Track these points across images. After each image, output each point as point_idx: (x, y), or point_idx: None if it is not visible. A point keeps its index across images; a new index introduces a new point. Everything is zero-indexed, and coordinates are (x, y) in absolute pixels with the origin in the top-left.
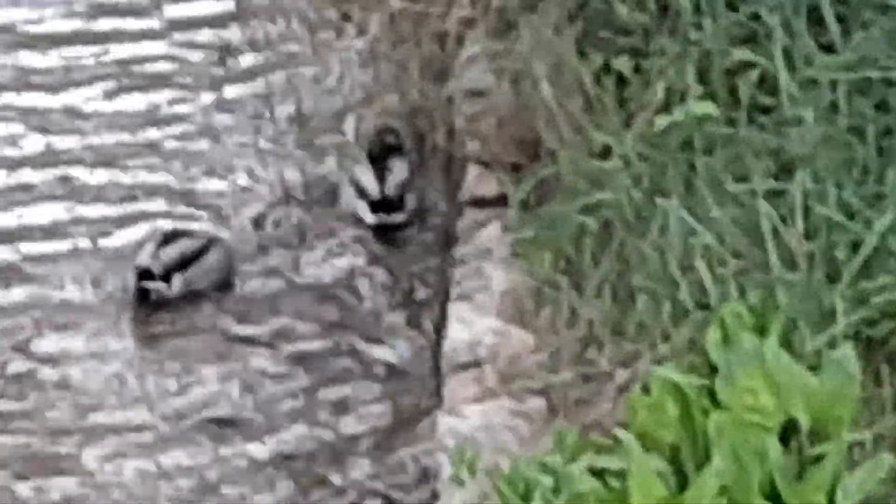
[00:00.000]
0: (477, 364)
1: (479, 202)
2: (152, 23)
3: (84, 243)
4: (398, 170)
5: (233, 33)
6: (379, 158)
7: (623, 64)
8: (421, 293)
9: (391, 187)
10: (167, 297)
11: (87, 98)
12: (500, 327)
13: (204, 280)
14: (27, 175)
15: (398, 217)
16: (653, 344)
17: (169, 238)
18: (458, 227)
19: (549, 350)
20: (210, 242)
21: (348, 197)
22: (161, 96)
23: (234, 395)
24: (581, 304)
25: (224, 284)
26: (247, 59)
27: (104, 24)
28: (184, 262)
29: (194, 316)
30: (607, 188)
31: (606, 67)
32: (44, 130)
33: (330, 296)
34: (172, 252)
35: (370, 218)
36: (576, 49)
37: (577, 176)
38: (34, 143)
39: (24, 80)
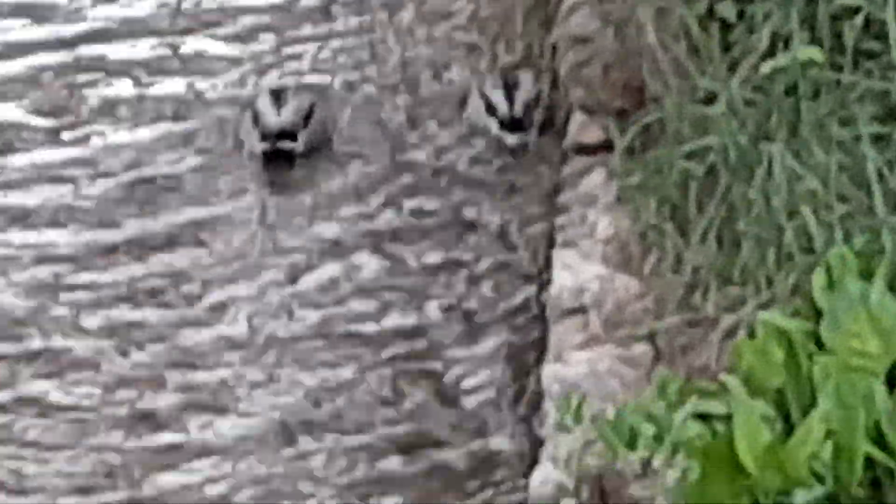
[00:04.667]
0: (582, 311)
1: (584, 149)
2: None
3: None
4: (525, 86)
5: None
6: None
7: (727, 9)
8: (525, 239)
9: (519, 106)
10: (294, 154)
11: None
12: (606, 274)
13: (318, 137)
14: None
15: (526, 137)
16: (758, 289)
17: (279, 95)
18: (562, 174)
19: (654, 296)
20: (314, 100)
21: (476, 110)
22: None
23: None
24: (686, 249)
25: (327, 141)
26: (353, 10)
27: None
28: (305, 120)
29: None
30: (712, 133)
31: (711, 13)
32: None
33: None
34: (292, 110)
35: (509, 139)
36: None
37: (682, 121)
38: None
39: None
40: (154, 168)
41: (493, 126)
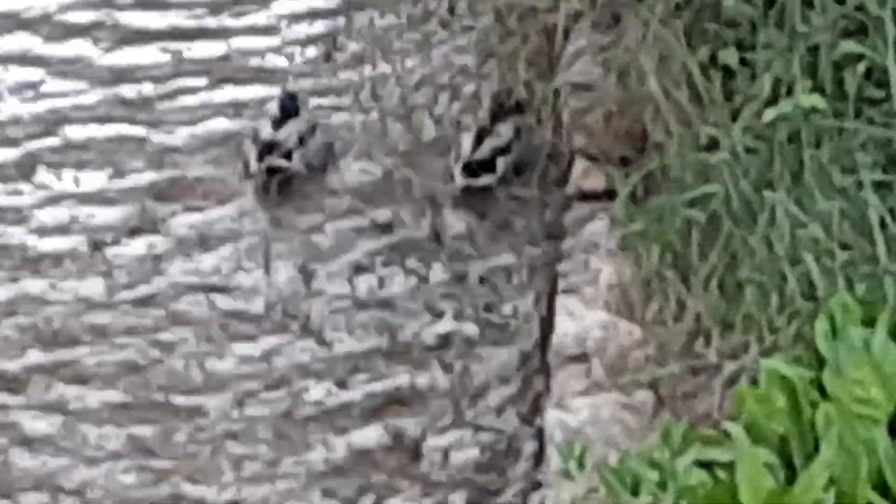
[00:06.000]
0: (585, 357)
1: (587, 196)
2: (261, 17)
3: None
4: (502, 133)
5: (339, 25)
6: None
7: (730, 56)
8: (530, 285)
9: (485, 150)
10: (289, 172)
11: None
12: (608, 320)
13: (314, 159)
14: None
15: (485, 179)
16: (760, 336)
17: (280, 119)
18: (565, 221)
19: (656, 343)
20: (314, 125)
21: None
22: (269, 90)
23: None
24: (689, 296)
25: (324, 167)
26: (352, 51)
27: (213, 21)
28: (300, 141)
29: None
30: (715, 181)
31: (713, 60)
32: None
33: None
34: (290, 131)
35: (459, 180)
36: (683, 41)
37: (685, 169)
38: None
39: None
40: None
41: (456, 170)
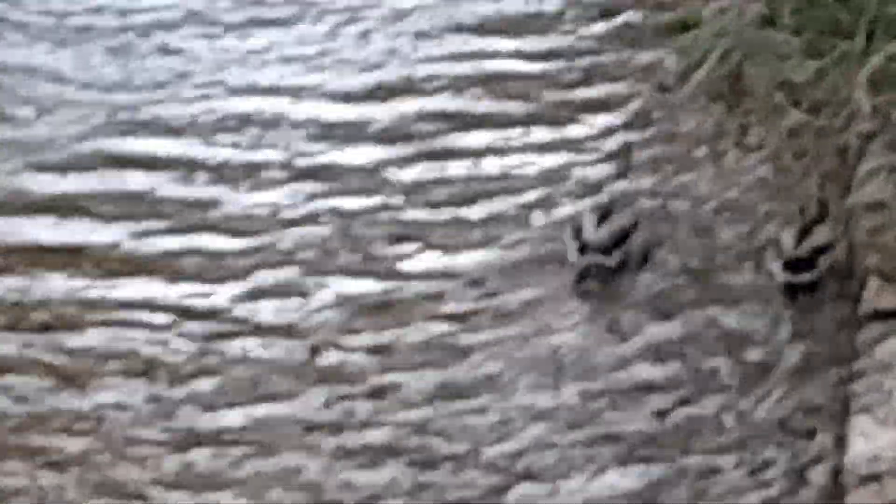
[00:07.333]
0: (879, 477)
1: (880, 315)
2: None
3: None
4: (821, 236)
5: (633, 137)
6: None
7: None
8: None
9: (806, 248)
10: (605, 268)
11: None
12: None
13: (631, 258)
14: None
15: (806, 276)
16: None
17: (605, 214)
18: (858, 341)
19: None
20: (637, 219)
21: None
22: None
23: None
24: None
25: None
26: (645, 159)
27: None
28: (622, 239)
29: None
30: None
31: None
32: None
33: None
34: (611, 228)
35: (779, 275)
36: None
37: None
38: None
39: None
40: None
41: (776, 266)
